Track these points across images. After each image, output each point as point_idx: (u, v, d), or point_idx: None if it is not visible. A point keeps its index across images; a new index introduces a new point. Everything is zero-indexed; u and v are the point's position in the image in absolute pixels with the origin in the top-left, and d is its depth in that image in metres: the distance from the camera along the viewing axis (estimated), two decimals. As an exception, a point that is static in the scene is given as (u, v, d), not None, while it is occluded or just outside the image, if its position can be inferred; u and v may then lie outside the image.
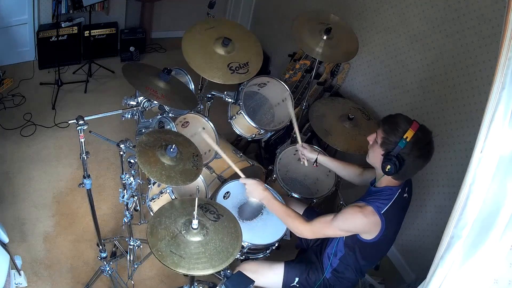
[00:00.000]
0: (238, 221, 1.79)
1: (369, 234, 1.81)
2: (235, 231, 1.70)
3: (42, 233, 2.74)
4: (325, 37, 2.48)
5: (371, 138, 1.88)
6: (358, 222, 1.78)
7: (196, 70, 2.24)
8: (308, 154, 2.34)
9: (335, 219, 1.82)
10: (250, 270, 2.02)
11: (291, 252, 2.37)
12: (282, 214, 1.96)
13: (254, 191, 2.03)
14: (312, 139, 3.16)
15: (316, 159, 2.31)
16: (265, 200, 2.01)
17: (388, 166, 1.73)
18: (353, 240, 1.88)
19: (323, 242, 2.16)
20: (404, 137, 1.70)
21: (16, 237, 2.66)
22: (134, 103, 2.11)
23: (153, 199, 2.30)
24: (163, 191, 2.28)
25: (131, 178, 2.03)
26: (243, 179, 2.07)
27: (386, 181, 1.83)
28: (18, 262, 2.14)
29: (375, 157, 1.83)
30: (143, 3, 4.42)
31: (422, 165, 1.77)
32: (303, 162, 2.39)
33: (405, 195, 1.87)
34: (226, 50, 2.33)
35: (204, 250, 1.57)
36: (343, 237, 1.94)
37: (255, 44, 2.47)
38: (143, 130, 2.20)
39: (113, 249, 2.64)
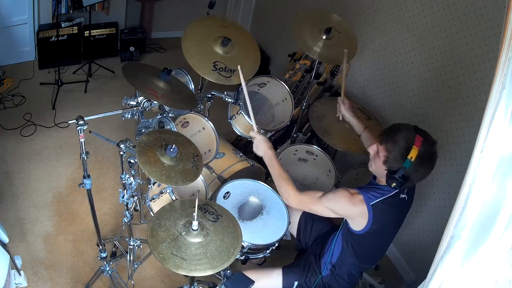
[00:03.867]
0: (238, 221, 1.79)
1: (356, 224, 1.83)
2: (235, 230, 1.70)
3: (42, 233, 2.74)
4: (324, 37, 2.48)
5: (372, 150, 1.84)
6: (343, 205, 1.79)
7: (186, 55, 2.23)
8: (344, 111, 2.31)
9: (324, 196, 1.85)
10: None
11: (291, 252, 2.37)
12: (278, 176, 1.98)
13: (260, 146, 2.03)
14: (312, 139, 3.16)
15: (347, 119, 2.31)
16: (266, 157, 2.03)
17: (394, 184, 1.72)
18: (347, 231, 1.90)
19: (324, 244, 2.16)
20: (409, 157, 1.65)
21: (16, 237, 2.65)
22: (134, 103, 2.12)
23: (153, 199, 2.30)
24: (163, 191, 2.28)
25: (131, 178, 2.03)
26: (253, 133, 2.07)
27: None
28: (18, 262, 2.14)
29: (378, 169, 1.81)
30: (143, 3, 4.42)
31: (427, 174, 1.75)
32: (339, 115, 2.37)
33: (403, 195, 1.86)
34: (223, 49, 2.33)
35: (205, 251, 1.57)
36: (343, 231, 1.94)
37: (255, 60, 2.45)
38: (143, 130, 2.20)
39: (113, 249, 2.64)
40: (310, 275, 2.06)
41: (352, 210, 1.79)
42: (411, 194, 1.93)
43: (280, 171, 1.99)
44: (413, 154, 1.65)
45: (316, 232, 2.26)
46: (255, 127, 2.10)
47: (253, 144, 2.06)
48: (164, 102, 2.04)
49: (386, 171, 1.75)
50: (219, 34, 2.35)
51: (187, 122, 2.53)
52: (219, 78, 2.25)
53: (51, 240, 2.71)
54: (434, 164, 1.74)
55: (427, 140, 1.70)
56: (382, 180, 1.82)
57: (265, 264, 2.66)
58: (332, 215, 1.86)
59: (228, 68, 2.29)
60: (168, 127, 2.28)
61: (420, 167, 1.69)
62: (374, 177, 1.93)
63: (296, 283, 2.06)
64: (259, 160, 3.26)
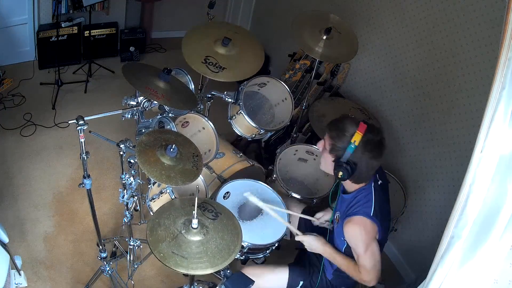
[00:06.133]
0: (238, 221, 1.79)
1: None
2: (234, 228, 1.70)
3: (42, 233, 2.74)
4: (325, 37, 2.48)
5: (320, 146, 1.85)
6: (365, 237, 1.75)
7: (184, 44, 2.29)
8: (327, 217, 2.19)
9: (360, 253, 1.79)
10: (253, 274, 2.00)
11: (291, 252, 2.37)
12: (344, 267, 1.91)
13: (314, 246, 1.98)
14: (312, 139, 3.16)
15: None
16: (326, 254, 1.96)
17: (340, 173, 1.71)
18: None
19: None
20: (352, 141, 1.67)
21: (16, 237, 2.66)
22: (134, 103, 2.11)
23: (153, 199, 2.30)
24: (163, 191, 2.28)
25: (131, 178, 2.03)
26: (299, 237, 2.02)
27: (355, 185, 1.82)
28: (18, 262, 2.14)
29: (326, 164, 1.81)
30: (143, 3, 4.42)
31: (377, 165, 1.75)
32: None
33: (379, 182, 1.86)
34: (223, 48, 2.34)
35: (205, 249, 1.57)
36: (343, 246, 1.92)
37: (256, 62, 2.47)
38: (143, 130, 2.20)
39: (113, 249, 2.64)
40: (315, 277, 2.06)
41: (370, 232, 1.76)
42: (383, 175, 1.93)
43: (344, 261, 1.90)
44: (356, 138, 1.67)
45: (316, 231, 2.26)
46: (299, 232, 2.03)
47: (305, 245, 2.01)
48: (164, 102, 2.04)
49: (333, 162, 1.75)
50: (224, 35, 2.38)
51: (187, 122, 2.53)
52: (206, 71, 2.28)
53: (51, 240, 2.71)
54: (381, 152, 1.73)
55: (372, 128, 1.72)
56: (349, 188, 1.83)
57: (266, 263, 2.66)
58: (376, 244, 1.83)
59: (219, 65, 2.31)
60: (168, 127, 2.28)
61: (365, 154, 1.69)
62: (342, 190, 1.92)
63: (301, 282, 2.05)
64: (259, 160, 3.27)
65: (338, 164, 1.72)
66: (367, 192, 1.80)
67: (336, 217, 1.94)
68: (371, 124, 1.74)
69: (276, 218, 2.05)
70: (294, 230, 2.06)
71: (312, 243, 1.98)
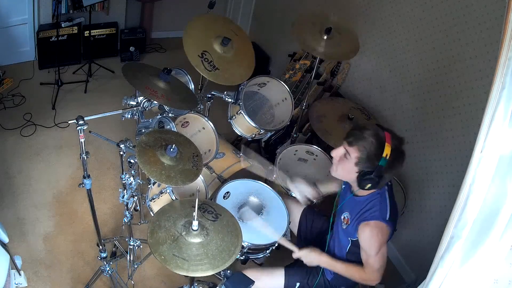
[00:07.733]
0: (238, 221, 1.79)
1: None
2: (235, 229, 1.70)
3: (42, 233, 2.74)
4: (325, 37, 2.48)
5: (337, 154, 1.79)
6: (382, 242, 1.77)
7: (184, 36, 2.27)
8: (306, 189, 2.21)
9: (372, 254, 1.80)
10: (250, 277, 2.01)
11: (291, 252, 2.37)
12: (345, 272, 1.91)
13: (311, 259, 1.98)
14: (312, 139, 3.16)
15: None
16: (324, 264, 1.97)
17: (369, 185, 1.70)
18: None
19: (322, 243, 2.16)
20: (384, 155, 1.64)
21: (16, 237, 2.66)
22: (134, 103, 2.12)
23: (153, 199, 2.30)
24: (163, 191, 2.28)
25: (131, 178, 2.03)
26: (296, 254, 2.01)
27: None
28: (18, 262, 2.14)
29: (346, 174, 1.79)
30: (143, 3, 4.42)
31: (399, 172, 1.76)
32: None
33: (389, 183, 1.87)
34: (220, 48, 2.34)
35: (206, 251, 1.57)
36: (347, 245, 1.92)
37: (246, 71, 2.46)
38: (143, 130, 2.20)
39: (113, 249, 2.64)
40: (312, 277, 2.06)
41: (385, 235, 1.78)
42: None
43: (344, 267, 1.91)
44: (387, 151, 1.65)
45: (317, 230, 2.26)
46: (295, 249, 2.03)
47: (305, 263, 2.00)
48: (164, 102, 2.04)
49: (357, 173, 1.73)
50: (224, 34, 2.36)
51: (187, 122, 2.53)
52: (200, 67, 2.25)
53: (51, 240, 2.71)
54: (404, 160, 1.72)
55: (394, 136, 1.71)
56: (362, 191, 1.82)
57: (265, 264, 2.66)
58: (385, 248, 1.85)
59: (213, 64, 2.29)
60: (168, 127, 2.28)
61: (393, 164, 1.68)
62: (352, 192, 1.90)
63: (298, 284, 2.05)
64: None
65: (367, 178, 1.69)
66: (383, 196, 1.80)
67: (345, 218, 1.93)
68: (389, 129, 1.72)
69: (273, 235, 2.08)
70: (291, 246, 2.06)
71: (308, 257, 1.99)
